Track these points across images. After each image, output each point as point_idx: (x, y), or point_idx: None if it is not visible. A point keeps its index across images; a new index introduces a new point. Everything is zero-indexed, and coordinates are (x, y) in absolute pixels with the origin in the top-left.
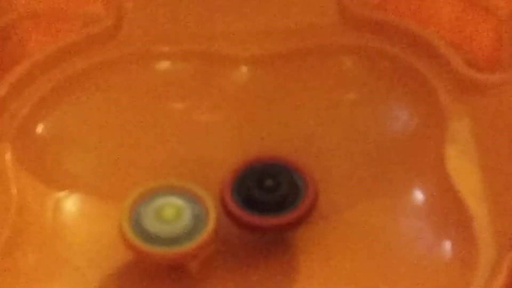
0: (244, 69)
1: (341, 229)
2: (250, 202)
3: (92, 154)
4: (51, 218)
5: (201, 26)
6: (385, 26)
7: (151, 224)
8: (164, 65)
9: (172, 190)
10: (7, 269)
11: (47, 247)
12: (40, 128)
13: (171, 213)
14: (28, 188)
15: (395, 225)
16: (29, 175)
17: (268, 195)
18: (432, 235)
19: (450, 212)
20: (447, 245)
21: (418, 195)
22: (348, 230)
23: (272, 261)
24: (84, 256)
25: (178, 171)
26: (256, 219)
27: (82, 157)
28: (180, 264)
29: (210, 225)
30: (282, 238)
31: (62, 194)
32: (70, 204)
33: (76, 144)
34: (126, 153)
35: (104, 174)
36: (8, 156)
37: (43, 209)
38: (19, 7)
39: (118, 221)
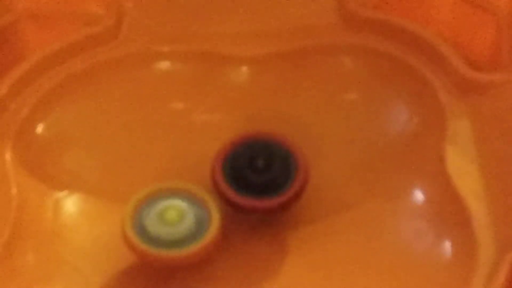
0: (244, 69)
1: (341, 229)
2: (240, 181)
3: (92, 154)
4: (51, 218)
5: (201, 26)
6: (385, 26)
7: (154, 227)
8: (164, 65)
9: (174, 193)
10: (7, 269)
11: (47, 247)
12: (40, 128)
13: (174, 215)
14: (28, 188)
15: (395, 225)
16: (29, 175)
17: (260, 177)
18: (432, 235)
19: (450, 212)
20: (447, 245)
21: (418, 195)
22: (348, 230)
23: (263, 242)
24: (84, 256)
25: (178, 171)
26: (242, 200)
27: (82, 157)
28: (184, 266)
29: (214, 227)
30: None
31: (62, 194)
32: (70, 204)
33: (76, 144)
34: (126, 153)
35: (104, 174)
36: (8, 156)
37: (43, 209)
38: (19, 7)
39: (120, 224)
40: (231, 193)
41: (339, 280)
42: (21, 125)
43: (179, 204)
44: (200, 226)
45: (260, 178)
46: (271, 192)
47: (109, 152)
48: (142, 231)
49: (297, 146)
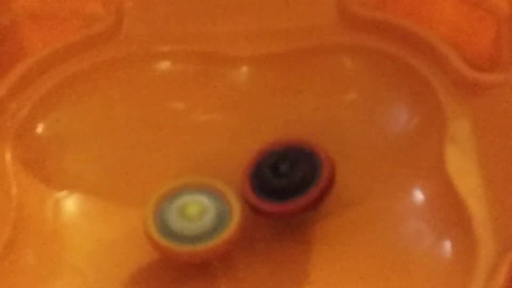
0: (244, 69)
1: (341, 229)
2: (265, 189)
3: (92, 154)
4: (51, 218)
5: (201, 26)
6: (385, 26)
7: (176, 222)
8: (164, 65)
9: (195, 188)
10: (7, 269)
11: (47, 247)
12: (40, 128)
13: (195, 210)
14: (28, 188)
15: (395, 225)
16: (29, 175)
17: (282, 181)
18: (432, 235)
19: (450, 212)
20: (447, 245)
21: (418, 195)
22: (348, 230)
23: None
24: (84, 256)
25: (178, 171)
26: (265, 205)
27: (82, 157)
28: (205, 261)
29: (235, 221)
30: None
31: (62, 194)
32: (70, 204)
33: (76, 144)
34: (126, 153)
35: (104, 174)
36: (8, 156)
37: (43, 209)
38: (19, 7)
39: (142, 220)
40: (260, 202)
41: (339, 279)
42: (21, 125)
43: (200, 199)
44: (222, 221)
45: (283, 183)
46: (296, 195)
47: (109, 152)
48: (164, 227)
49: (322, 149)
